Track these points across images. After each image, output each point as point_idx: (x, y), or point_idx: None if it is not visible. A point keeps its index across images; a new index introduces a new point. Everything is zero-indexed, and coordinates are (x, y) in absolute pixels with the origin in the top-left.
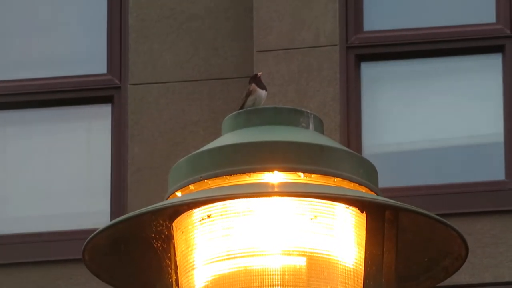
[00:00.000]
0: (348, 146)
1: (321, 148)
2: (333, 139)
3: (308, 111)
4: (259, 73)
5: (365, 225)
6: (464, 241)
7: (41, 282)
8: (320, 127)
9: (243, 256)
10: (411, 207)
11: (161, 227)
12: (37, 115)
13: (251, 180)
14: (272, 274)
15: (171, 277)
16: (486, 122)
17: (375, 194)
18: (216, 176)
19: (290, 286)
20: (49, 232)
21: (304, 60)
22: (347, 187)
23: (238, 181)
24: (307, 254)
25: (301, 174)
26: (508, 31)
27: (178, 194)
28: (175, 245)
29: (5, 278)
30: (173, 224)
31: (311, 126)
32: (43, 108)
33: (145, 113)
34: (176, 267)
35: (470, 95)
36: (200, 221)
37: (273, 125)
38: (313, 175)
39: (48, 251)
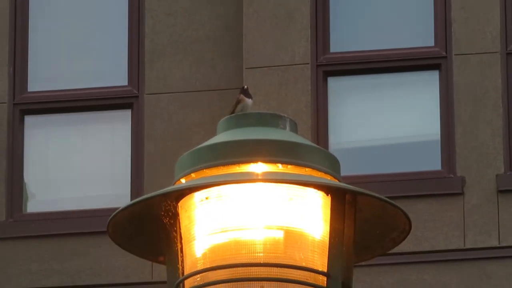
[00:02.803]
0: (318, 143)
1: (296, 144)
2: (306, 138)
3: (286, 115)
4: (245, 86)
5: (330, 206)
6: (408, 218)
7: (76, 249)
8: (295, 128)
9: (234, 230)
10: (366, 191)
11: (169, 207)
12: (73, 118)
13: (240, 169)
14: (257, 244)
15: (177, 246)
16: (426, 124)
17: (338, 181)
18: (213, 167)
19: (270, 253)
20: (82, 210)
21: (283, 75)
22: (316, 175)
23: (230, 171)
24: (284, 228)
25: (279, 165)
26: (444, 53)
27: (183, 180)
28: (180, 221)
29: (48, 246)
30: (179, 204)
31: (288, 127)
32: (78, 113)
33: (158, 117)
34: (181, 238)
35: (414, 103)
36: (200, 202)
37: (258, 127)
38: (289, 166)
39: (82, 224)
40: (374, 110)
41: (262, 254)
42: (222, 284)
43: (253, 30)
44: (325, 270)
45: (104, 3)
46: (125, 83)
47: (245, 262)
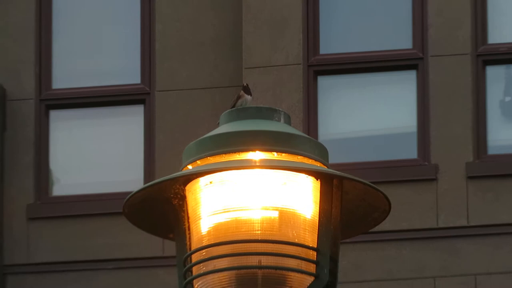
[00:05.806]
0: (308, 134)
1: (289, 135)
2: (298, 129)
3: (280, 109)
4: (246, 83)
5: (319, 189)
6: (388, 200)
7: (96, 228)
8: (288, 121)
9: (235, 210)
10: (351, 176)
11: (177, 190)
12: (92, 112)
13: (240, 157)
14: (255, 223)
15: (184, 225)
16: (405, 118)
17: (326, 167)
18: (216, 155)
19: (267, 231)
20: (101, 193)
21: (278, 74)
22: (307, 162)
23: (231, 158)
24: (279, 209)
25: (275, 153)
26: (421, 54)
27: (189, 167)
28: (187, 202)
29: (71, 225)
30: (186, 187)
31: (282, 120)
32: (97, 107)
33: (167, 111)
34: (188, 218)
35: (394, 99)
36: (204, 185)
37: (255, 119)
38: (283, 154)
39: (101, 206)
40: (359, 105)
41: (259, 232)
42: (225, 258)
43: (252, 34)
44: (315, 246)
45: (119, 10)
46: (138, 81)
47: (245, 238)
